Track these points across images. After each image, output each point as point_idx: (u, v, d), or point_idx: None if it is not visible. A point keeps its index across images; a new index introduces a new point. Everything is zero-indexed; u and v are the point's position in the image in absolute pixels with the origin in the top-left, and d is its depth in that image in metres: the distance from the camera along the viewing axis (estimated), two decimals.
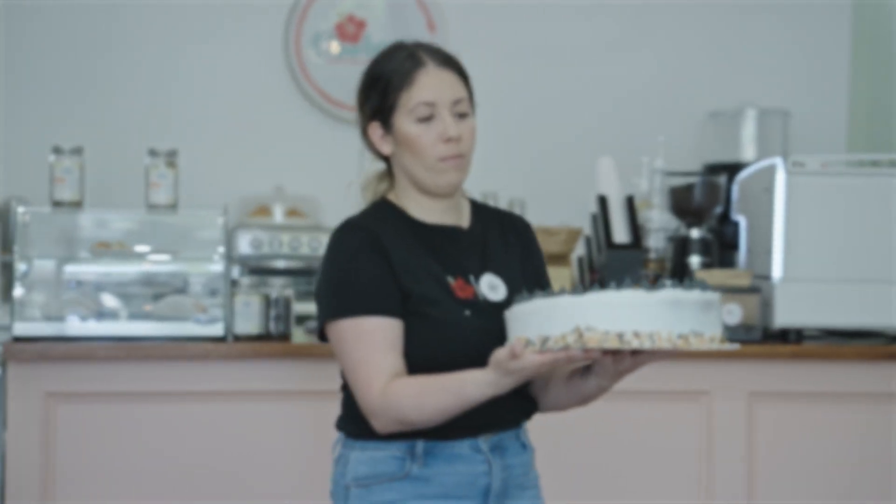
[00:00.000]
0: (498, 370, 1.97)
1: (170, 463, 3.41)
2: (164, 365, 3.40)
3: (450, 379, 2.03)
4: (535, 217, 5.00)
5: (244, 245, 5.08)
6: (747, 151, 5.25)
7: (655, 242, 3.94)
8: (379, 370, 2.07)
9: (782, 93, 5.46)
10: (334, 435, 3.51)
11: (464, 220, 2.24)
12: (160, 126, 5.17)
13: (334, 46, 5.28)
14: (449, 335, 2.10)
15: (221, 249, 3.58)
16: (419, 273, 2.12)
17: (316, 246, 5.11)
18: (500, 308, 2.14)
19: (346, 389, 2.22)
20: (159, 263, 3.61)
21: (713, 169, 4.82)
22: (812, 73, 5.55)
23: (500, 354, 1.96)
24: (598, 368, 2.08)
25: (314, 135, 5.34)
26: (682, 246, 3.93)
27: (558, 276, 3.65)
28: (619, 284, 1.90)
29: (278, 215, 5.18)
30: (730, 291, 3.62)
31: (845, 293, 3.64)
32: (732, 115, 5.27)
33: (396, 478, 2.14)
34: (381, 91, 2.17)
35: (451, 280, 2.14)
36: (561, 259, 3.72)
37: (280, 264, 5.10)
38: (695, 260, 3.92)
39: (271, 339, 3.51)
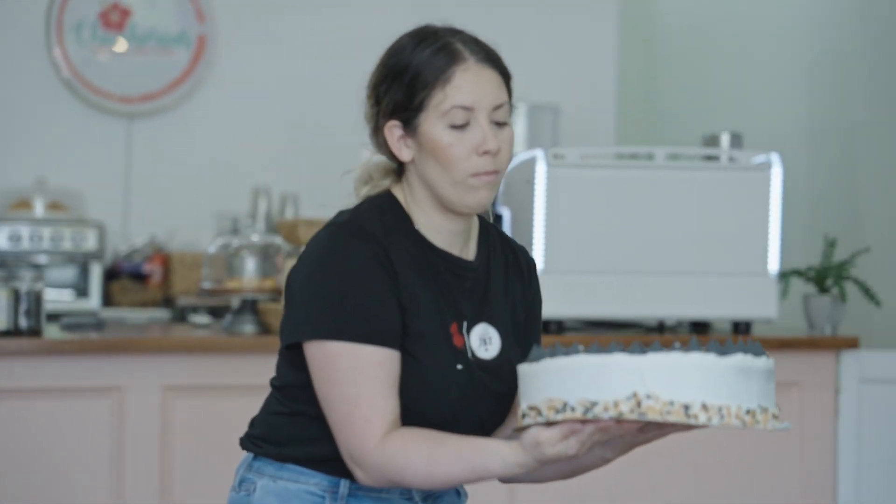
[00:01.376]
0: (534, 451, 1.65)
1: None
2: None
3: (467, 448, 1.71)
4: (310, 211, 4.95)
5: (2, 239, 4.89)
6: (518, 146, 5.31)
7: None
8: (378, 415, 1.74)
9: (552, 89, 5.54)
10: (92, 433, 3.42)
11: (471, 248, 1.91)
12: None
13: (99, 35, 5.12)
14: (434, 388, 1.79)
15: None
16: (425, 306, 1.81)
17: (79, 240, 4.95)
18: (486, 368, 1.85)
19: (274, 402, 1.89)
20: None
21: None
22: (581, 70, 5.66)
23: (544, 435, 1.63)
24: (612, 439, 1.76)
25: (78, 126, 5.18)
26: None
27: None
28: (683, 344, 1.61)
29: (39, 209, 5.00)
30: None
31: (605, 284, 3.70)
32: None
33: None
34: (406, 85, 1.81)
35: (448, 321, 1.84)
36: None
37: (42, 259, 4.93)
38: None
39: (20, 335, 3.37)
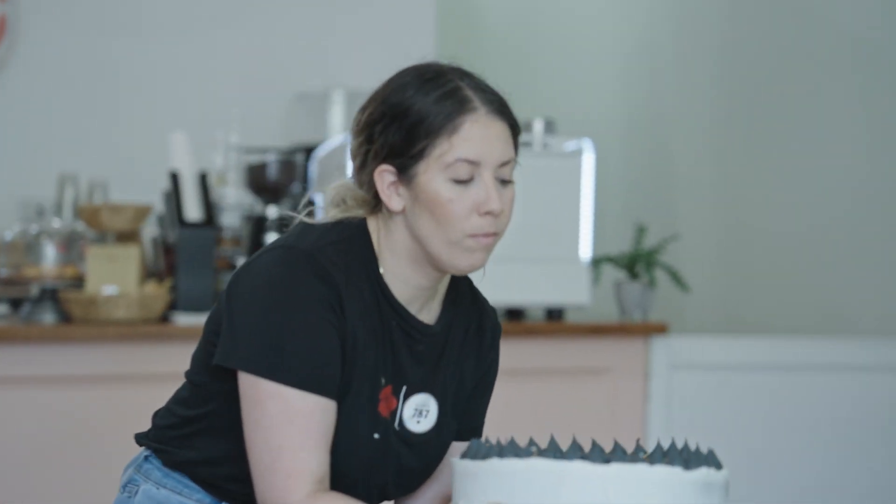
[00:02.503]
0: None
1: None
2: None
3: None
4: (120, 196, 4.80)
5: None
6: (336, 133, 5.25)
7: (231, 220, 3.84)
8: (302, 470, 1.61)
9: (370, 74, 5.48)
10: None
11: (433, 308, 1.75)
12: None
13: None
14: (340, 451, 1.67)
15: None
16: (361, 363, 1.67)
17: None
18: (410, 441, 1.73)
19: (180, 403, 1.77)
20: None
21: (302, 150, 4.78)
22: (400, 55, 5.62)
23: None
24: None
25: None
26: (258, 224, 3.85)
27: (127, 254, 3.48)
28: (643, 454, 1.54)
29: None
30: None
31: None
32: (320, 96, 5.26)
33: None
34: (407, 129, 1.65)
35: (382, 383, 1.70)
36: (130, 237, 3.55)
37: None
38: (271, 238, 3.85)
39: None
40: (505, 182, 1.69)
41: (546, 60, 5.56)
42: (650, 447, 1.72)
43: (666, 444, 1.67)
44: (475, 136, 1.65)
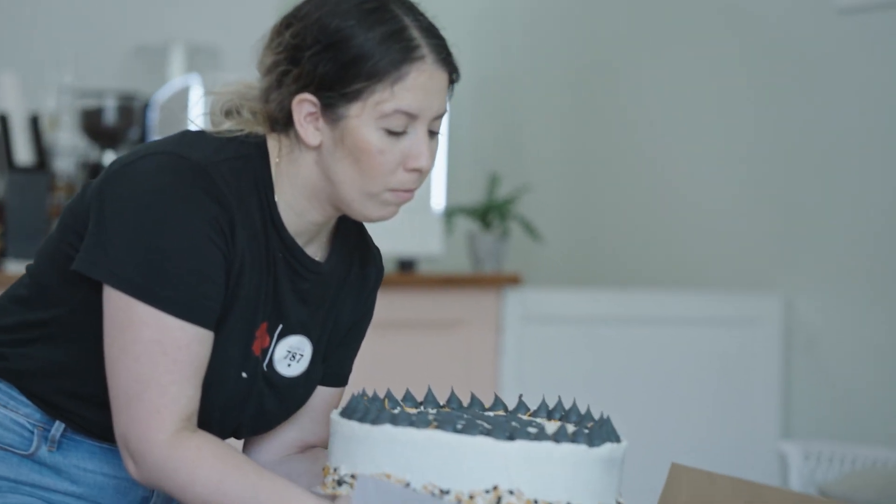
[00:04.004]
0: None
1: None
2: None
3: (266, 489, 1.44)
4: None
5: None
6: (176, 88, 5.09)
7: (65, 166, 3.65)
8: (170, 405, 1.46)
9: (209, 29, 5.33)
10: None
11: (321, 244, 1.61)
12: None
13: None
14: (203, 387, 1.51)
15: None
16: (245, 296, 1.53)
17: None
18: (275, 384, 1.59)
19: (18, 304, 1.58)
20: None
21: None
22: (240, 10, 5.48)
23: None
24: None
25: None
26: (94, 171, 3.67)
27: None
28: (547, 429, 1.45)
29: None
30: None
31: None
32: (159, 50, 5.08)
33: (15, 452, 1.57)
34: (343, 64, 1.48)
35: (259, 319, 1.56)
36: None
37: None
38: None
39: None
40: (433, 134, 1.55)
41: None
42: (528, 402, 1.64)
43: (552, 403, 1.60)
44: (419, 87, 1.50)
